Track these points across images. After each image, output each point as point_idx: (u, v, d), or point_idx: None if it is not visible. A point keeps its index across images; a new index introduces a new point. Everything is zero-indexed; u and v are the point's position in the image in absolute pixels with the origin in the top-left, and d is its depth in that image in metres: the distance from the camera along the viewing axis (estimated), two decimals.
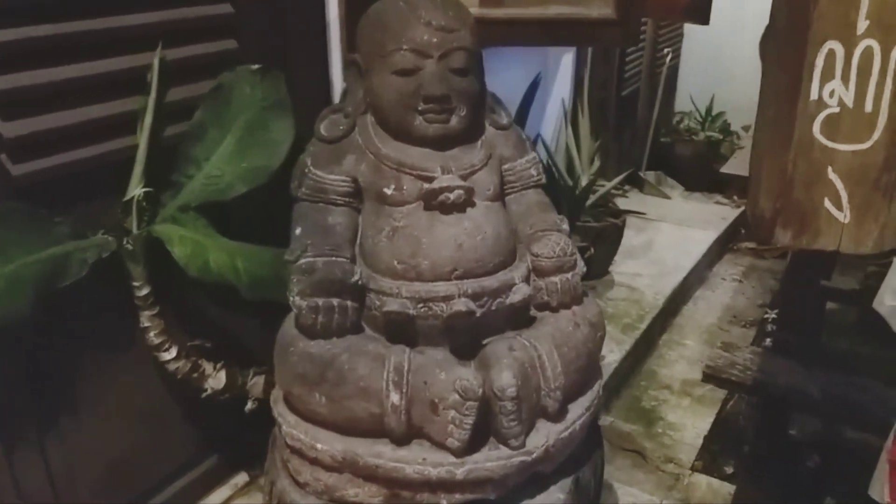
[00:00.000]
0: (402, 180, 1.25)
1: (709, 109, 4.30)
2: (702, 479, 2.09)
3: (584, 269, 1.32)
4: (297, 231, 1.29)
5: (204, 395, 1.62)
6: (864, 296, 2.73)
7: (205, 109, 1.54)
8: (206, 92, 1.53)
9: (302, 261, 1.22)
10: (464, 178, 1.25)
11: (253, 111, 1.58)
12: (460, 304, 1.19)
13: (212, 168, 1.54)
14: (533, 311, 1.32)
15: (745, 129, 4.21)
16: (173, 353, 1.55)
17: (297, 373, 1.21)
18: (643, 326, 2.66)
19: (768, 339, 2.82)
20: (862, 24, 1.01)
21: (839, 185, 1.10)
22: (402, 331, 1.24)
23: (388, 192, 1.25)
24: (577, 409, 1.29)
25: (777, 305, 3.06)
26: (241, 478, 1.85)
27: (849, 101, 1.06)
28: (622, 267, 3.04)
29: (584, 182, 2.80)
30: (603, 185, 2.97)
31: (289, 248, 1.28)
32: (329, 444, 1.21)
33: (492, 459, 1.18)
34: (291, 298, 1.20)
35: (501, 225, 1.29)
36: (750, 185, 1.20)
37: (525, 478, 1.24)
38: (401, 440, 1.19)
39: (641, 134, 4.06)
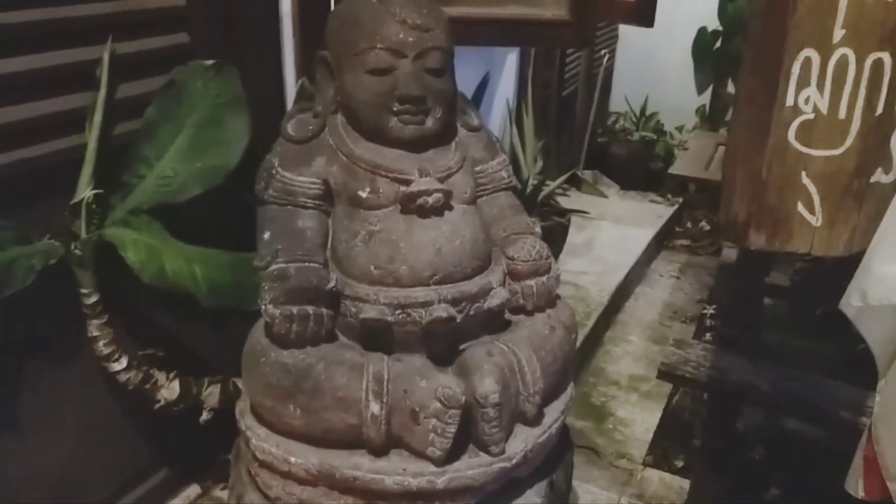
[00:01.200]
0: (377, 183, 1.21)
1: (643, 110, 4.40)
2: (654, 474, 2.13)
3: (559, 272, 1.32)
4: (266, 235, 1.23)
5: (157, 405, 1.54)
6: (797, 292, 2.87)
7: (156, 106, 1.46)
8: (158, 88, 1.46)
9: (273, 267, 1.17)
10: (441, 180, 1.22)
11: (207, 108, 1.51)
12: (441, 310, 1.17)
13: (164, 168, 1.47)
14: (507, 315, 1.30)
15: (679, 129, 4.33)
16: (124, 363, 1.48)
17: (269, 384, 1.15)
18: (590, 324, 2.69)
19: (708, 334, 2.91)
20: (838, 33, 1.04)
21: (812, 189, 1.12)
22: (378, 338, 1.20)
23: (363, 194, 1.21)
24: (553, 413, 1.28)
25: (714, 301, 3.16)
26: (194, 490, 1.78)
27: (823, 107, 1.08)
28: (567, 265, 3.07)
29: (529, 181, 2.82)
30: (548, 185, 3.00)
31: (257, 253, 1.22)
32: (303, 456, 1.16)
33: (472, 467, 1.16)
34: (263, 307, 1.15)
35: (478, 228, 1.27)
36: (723, 188, 1.21)
37: (502, 483, 1.23)
38: (379, 451, 1.16)
39: (579, 134, 4.12)
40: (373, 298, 1.18)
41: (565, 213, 3.02)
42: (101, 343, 1.44)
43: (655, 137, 4.29)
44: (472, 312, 1.22)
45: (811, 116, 1.09)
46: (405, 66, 1.20)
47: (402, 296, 1.18)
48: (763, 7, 1.10)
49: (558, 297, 1.34)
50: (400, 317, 1.18)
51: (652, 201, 4.14)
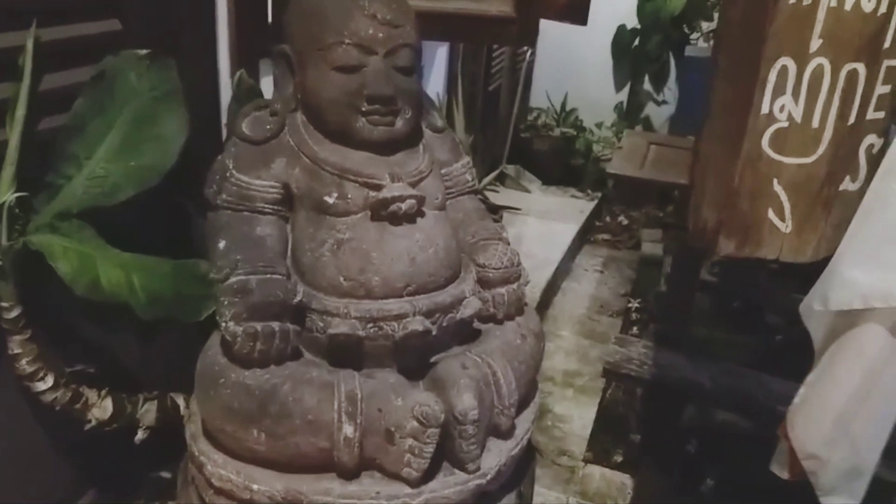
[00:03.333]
0: (345, 188, 1.14)
1: (563, 106, 4.45)
2: (595, 470, 2.15)
3: (529, 279, 1.28)
4: (221, 245, 1.13)
5: (88, 426, 1.41)
6: (717, 286, 2.97)
7: (85, 99, 1.32)
8: (87, 80, 1.32)
9: (233, 280, 1.07)
10: (413, 185, 1.16)
11: (141, 102, 1.38)
12: (416, 324, 1.11)
13: (95, 168, 1.33)
14: (477, 324, 1.26)
15: (598, 125, 4.40)
16: (49, 381, 1.34)
17: (229, 407, 1.06)
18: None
19: (635, 328, 2.98)
20: (815, 43, 1.04)
21: (783, 196, 1.13)
22: (346, 353, 1.13)
23: (330, 200, 1.13)
24: (524, 424, 1.25)
25: (638, 294, 3.24)
26: None
27: (797, 116, 1.09)
28: None
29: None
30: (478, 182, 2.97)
31: (212, 264, 1.12)
32: (267, 483, 1.08)
33: (449, 486, 1.11)
34: (224, 324, 1.06)
35: (450, 236, 1.22)
36: (693, 195, 1.21)
37: (475, 499, 1.19)
38: (350, 474, 1.09)
39: (503, 129, 4.12)
40: (343, 312, 1.11)
41: (497, 209, 3.01)
42: (23, 361, 1.29)
43: (575, 133, 4.34)
44: (444, 323, 1.17)
45: (785, 125, 1.10)
46: (375, 64, 1.13)
47: (375, 308, 1.11)
48: (741, 14, 1.10)
49: (525, 304, 1.31)
50: (372, 331, 1.11)
51: (573, 196, 4.20)
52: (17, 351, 1.28)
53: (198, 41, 1.63)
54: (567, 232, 3.61)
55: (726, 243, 1.20)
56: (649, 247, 3.59)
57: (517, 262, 1.26)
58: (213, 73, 1.71)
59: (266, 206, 1.17)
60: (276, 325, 1.07)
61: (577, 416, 2.41)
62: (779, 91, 1.09)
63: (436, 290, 1.16)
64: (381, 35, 1.12)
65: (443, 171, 1.30)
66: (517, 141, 4.26)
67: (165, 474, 1.68)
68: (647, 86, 4.34)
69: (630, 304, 3.19)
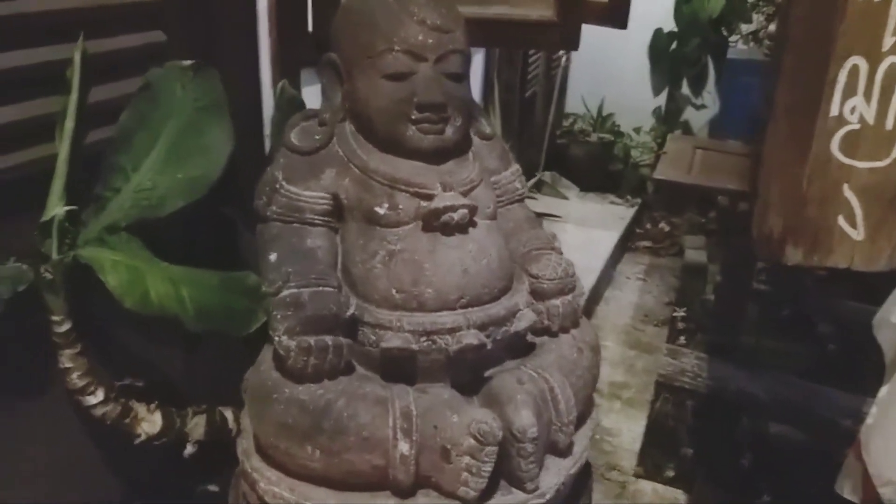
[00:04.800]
0: (396, 198, 1.11)
1: (599, 111, 4.40)
2: (646, 486, 2.09)
3: (585, 291, 1.24)
4: (272, 257, 1.11)
5: (137, 440, 1.39)
6: (766, 293, 2.89)
7: (131, 111, 1.32)
8: (133, 92, 1.31)
9: (285, 293, 1.05)
10: (464, 194, 1.13)
11: (186, 113, 1.37)
12: (470, 337, 1.07)
13: (142, 180, 1.33)
14: (530, 337, 1.22)
15: (636, 130, 4.34)
16: (100, 395, 1.33)
17: (283, 423, 1.04)
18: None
19: (682, 338, 2.91)
20: (888, 41, 0.99)
21: (855, 202, 1.08)
22: (400, 367, 1.10)
23: (382, 211, 1.11)
24: (582, 441, 1.21)
25: (683, 303, 3.17)
26: None
27: (870, 117, 1.04)
28: None
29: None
30: None
31: (264, 277, 1.10)
32: (321, 501, 1.05)
33: None
34: (277, 338, 1.03)
35: (502, 246, 1.18)
36: (757, 202, 1.16)
37: None
38: (405, 493, 1.05)
39: (539, 135, 4.08)
40: (396, 325, 1.08)
41: (536, 216, 2.96)
42: (74, 375, 1.29)
43: (613, 139, 4.28)
44: (498, 336, 1.13)
45: (857, 127, 1.05)
46: (425, 71, 1.10)
47: (428, 322, 1.08)
48: (807, 12, 1.05)
49: (581, 316, 1.27)
50: (425, 345, 1.08)
51: (612, 202, 4.14)
52: (67, 365, 1.28)
53: (240, 51, 1.62)
54: (607, 239, 3.55)
55: (794, 252, 1.14)
56: (693, 254, 3.51)
57: (572, 273, 1.22)
58: (256, 84, 1.70)
59: (316, 217, 1.15)
60: (329, 338, 1.04)
61: (625, 429, 2.35)
62: (849, 92, 1.03)
63: (489, 302, 1.13)
64: (430, 41, 1.09)
65: (492, 179, 1.26)
66: (553, 147, 4.22)
67: (213, 488, 1.66)
68: (685, 89, 4.26)
69: (675, 313, 3.12)
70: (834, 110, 1.05)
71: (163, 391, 1.45)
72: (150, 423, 1.40)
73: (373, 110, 1.13)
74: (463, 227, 1.12)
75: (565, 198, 4.05)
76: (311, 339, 1.03)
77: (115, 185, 1.31)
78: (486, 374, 1.15)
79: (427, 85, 1.10)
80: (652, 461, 2.18)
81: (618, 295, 3.30)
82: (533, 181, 3.13)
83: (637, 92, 4.37)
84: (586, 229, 3.64)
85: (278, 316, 1.04)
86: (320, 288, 1.07)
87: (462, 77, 1.14)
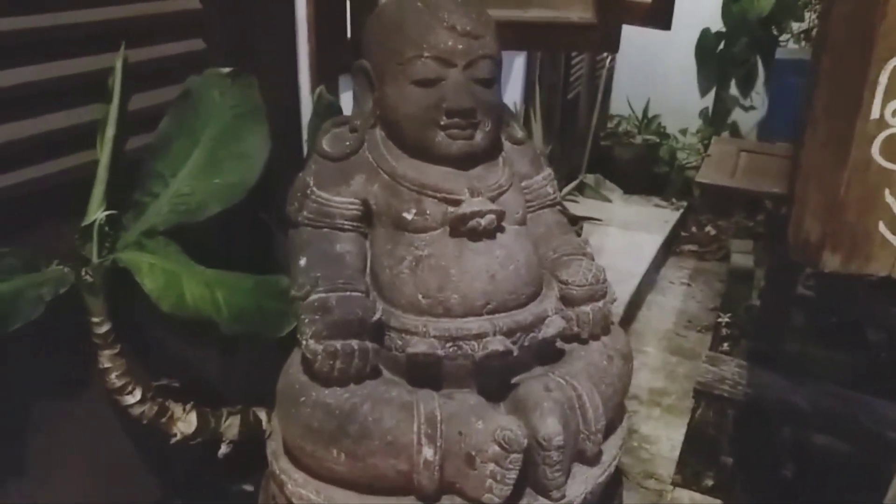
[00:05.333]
0: (423, 204, 1.11)
1: (645, 113, 4.33)
2: (684, 494, 2.05)
3: (615, 296, 1.22)
4: (303, 262, 1.13)
5: (173, 440, 1.43)
6: (813, 300, 2.80)
7: (171, 118, 1.35)
8: (172, 99, 1.34)
9: (313, 297, 1.06)
10: (492, 200, 1.13)
11: (224, 120, 1.40)
12: (497, 343, 1.07)
13: (180, 185, 1.35)
14: (560, 343, 1.21)
15: (682, 132, 4.26)
16: (137, 395, 1.36)
17: (310, 426, 1.05)
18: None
19: (725, 344, 2.84)
20: None
21: None
22: (426, 373, 1.11)
23: (409, 216, 1.11)
24: (611, 450, 1.19)
25: (728, 309, 3.10)
26: None
27: None
28: None
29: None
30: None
31: (294, 281, 1.12)
32: None
33: None
34: (304, 342, 1.05)
35: (531, 251, 1.17)
36: (794, 207, 1.13)
37: None
38: (430, 498, 1.06)
39: (582, 137, 4.04)
40: (422, 330, 1.08)
41: (576, 220, 2.94)
42: (113, 375, 1.32)
43: (658, 140, 4.21)
44: (526, 343, 1.13)
45: None
46: (454, 77, 1.10)
47: (454, 327, 1.08)
48: (847, 13, 1.02)
49: (612, 322, 1.25)
50: (451, 350, 1.08)
51: (656, 205, 4.07)
52: (106, 365, 1.31)
53: (278, 58, 1.65)
54: (651, 243, 3.49)
55: (831, 258, 1.11)
56: (739, 258, 3.43)
57: (602, 279, 1.21)
58: (294, 90, 1.73)
59: (346, 222, 1.16)
60: (355, 343, 1.05)
61: (664, 437, 2.30)
62: (891, 94, 1.00)
63: (517, 308, 1.12)
64: (460, 47, 1.09)
65: (523, 184, 1.26)
66: (597, 149, 4.17)
67: (248, 487, 1.69)
68: (733, 90, 4.17)
69: (720, 319, 3.05)
70: (875, 113, 1.01)
71: (198, 392, 1.48)
72: (185, 422, 1.43)
73: (402, 116, 1.13)
74: (491, 233, 1.11)
75: (609, 200, 4.00)
76: (338, 344, 1.04)
77: (154, 191, 1.34)
78: (514, 380, 1.15)
79: (456, 91, 1.10)
80: (690, 469, 2.14)
81: (661, 300, 3.24)
82: (573, 184, 3.10)
83: (683, 93, 4.30)
84: (629, 233, 3.59)
85: (306, 320, 1.05)
86: (348, 293, 1.08)
87: (492, 82, 1.14)
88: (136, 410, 1.37)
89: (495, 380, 1.13)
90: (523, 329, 1.12)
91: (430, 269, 1.10)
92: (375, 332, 1.10)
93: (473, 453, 1.02)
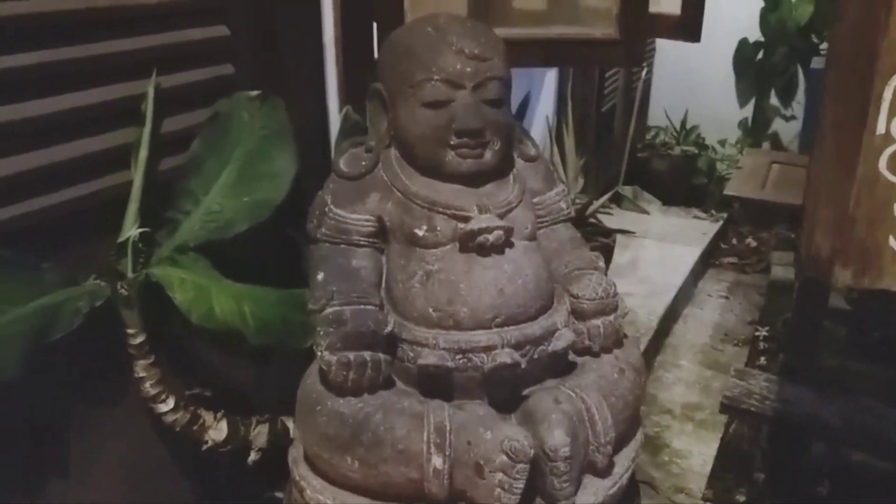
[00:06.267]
0: (434, 220, 1.15)
1: (683, 124, 4.30)
2: None
3: (627, 310, 1.24)
4: (320, 276, 1.18)
5: (204, 447, 1.49)
6: (855, 314, 2.74)
7: (202, 140, 1.42)
8: (203, 121, 1.42)
9: (328, 310, 1.11)
10: (501, 216, 1.16)
11: (252, 141, 1.46)
12: (504, 356, 1.10)
13: (211, 203, 1.42)
14: (572, 357, 1.23)
15: (721, 143, 4.22)
16: (171, 403, 1.43)
17: (325, 434, 1.10)
18: (640, 349, 2.59)
19: (762, 358, 2.81)
20: None
21: None
22: (437, 384, 1.14)
23: (420, 233, 1.15)
24: (624, 462, 1.20)
25: (766, 322, 3.05)
26: None
27: None
28: None
29: (571, 201, 2.74)
30: (591, 204, 2.92)
31: (311, 294, 1.17)
32: None
33: None
34: (319, 353, 1.09)
35: (540, 266, 1.20)
36: (804, 222, 1.13)
37: None
38: None
39: (619, 149, 4.04)
40: (432, 343, 1.12)
41: (610, 232, 2.94)
42: (147, 384, 1.39)
43: (697, 152, 4.18)
44: (535, 356, 1.15)
45: None
46: (463, 98, 1.14)
47: (463, 340, 1.12)
48: (851, 29, 1.02)
49: (625, 336, 1.27)
50: (461, 362, 1.12)
51: (695, 217, 4.03)
52: (141, 374, 1.38)
53: (307, 80, 1.71)
54: (688, 255, 3.47)
55: (842, 273, 1.11)
56: (780, 270, 3.37)
57: (613, 293, 1.23)
58: (322, 110, 1.79)
59: (361, 238, 1.21)
60: (367, 354, 1.09)
61: (696, 451, 2.29)
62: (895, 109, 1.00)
63: (526, 321, 1.15)
64: (468, 69, 1.13)
65: (536, 200, 1.29)
66: (634, 161, 4.16)
67: (279, 494, 1.74)
68: (773, 100, 4.12)
69: (757, 333, 3.02)
70: (880, 128, 1.02)
71: (229, 401, 1.54)
72: (216, 430, 1.49)
73: (414, 137, 1.18)
74: (499, 248, 1.15)
75: (646, 212, 3.98)
76: (351, 355, 1.08)
77: (186, 209, 1.41)
78: (525, 392, 1.17)
79: (465, 112, 1.14)
80: (722, 485, 2.12)
81: (697, 313, 3.21)
82: (607, 196, 3.10)
83: (722, 104, 4.26)
84: (666, 245, 3.57)
85: (321, 332, 1.10)
86: (362, 306, 1.12)
87: (500, 102, 1.18)
88: (170, 418, 1.43)
89: (506, 391, 1.16)
90: (532, 342, 1.14)
91: (440, 284, 1.13)
92: (389, 345, 1.14)
93: (482, 463, 1.05)
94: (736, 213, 3.98)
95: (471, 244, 1.13)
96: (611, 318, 1.22)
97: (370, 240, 1.21)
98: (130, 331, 1.35)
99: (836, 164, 1.07)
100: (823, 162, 1.10)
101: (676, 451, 2.28)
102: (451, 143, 1.15)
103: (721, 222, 3.92)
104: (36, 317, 1.16)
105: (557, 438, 1.05)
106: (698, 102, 4.28)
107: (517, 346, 1.13)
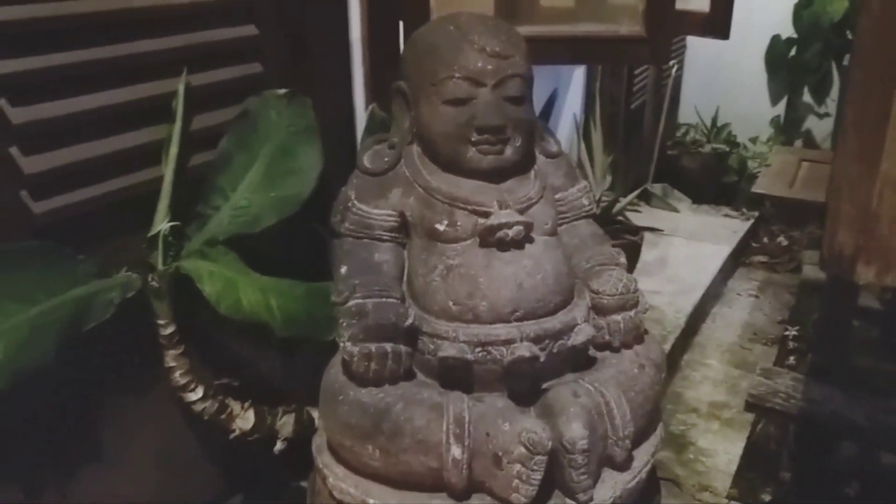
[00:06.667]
0: (455, 215, 1.17)
1: (714, 121, 4.26)
2: None
3: (648, 306, 1.25)
4: (343, 270, 1.20)
5: (232, 435, 1.53)
6: (888, 314, 2.70)
7: (231, 137, 1.45)
8: (232, 119, 1.45)
9: (351, 303, 1.14)
10: (521, 212, 1.17)
11: (280, 138, 1.50)
12: (523, 349, 1.11)
13: (239, 198, 1.46)
14: (592, 352, 1.24)
15: (753, 141, 4.17)
16: (199, 392, 1.47)
17: (347, 423, 1.12)
18: (667, 347, 2.58)
19: (792, 358, 2.77)
20: None
21: None
22: (457, 376, 1.16)
23: (441, 227, 1.17)
24: (643, 456, 1.21)
25: (796, 322, 3.02)
26: None
27: None
28: (640, 285, 2.95)
29: (597, 197, 2.74)
30: (619, 201, 2.91)
31: (334, 287, 1.19)
32: (382, 498, 1.13)
33: None
34: (342, 344, 1.12)
35: (560, 261, 1.21)
36: (827, 219, 1.13)
37: None
38: (460, 495, 1.10)
39: (648, 147, 4.01)
40: (452, 335, 1.14)
41: (637, 230, 2.92)
42: (177, 373, 1.43)
43: (728, 149, 4.13)
44: (555, 350, 1.17)
45: None
46: (484, 95, 1.16)
47: (482, 333, 1.13)
48: (875, 23, 1.02)
49: (646, 332, 1.27)
50: (480, 355, 1.13)
51: (726, 215, 3.99)
52: (171, 364, 1.42)
53: (333, 79, 1.74)
54: (718, 254, 3.43)
55: (865, 271, 1.11)
56: (811, 269, 3.32)
57: (633, 289, 1.23)
58: (349, 108, 1.82)
59: (384, 233, 1.23)
60: (388, 346, 1.12)
61: (722, 450, 2.27)
62: None
63: (545, 315, 1.16)
64: (489, 67, 1.15)
65: (557, 197, 1.30)
66: (664, 158, 4.13)
67: (305, 484, 1.78)
68: (806, 98, 4.06)
69: (787, 332, 2.98)
70: None
71: (257, 391, 1.58)
72: (243, 419, 1.53)
73: (435, 134, 1.20)
74: (519, 243, 1.16)
75: (676, 210, 3.95)
76: (372, 346, 1.11)
77: (216, 204, 1.45)
78: (544, 385, 1.18)
79: (486, 109, 1.15)
80: (747, 484, 2.10)
81: (726, 312, 3.18)
82: (634, 193, 3.09)
83: (754, 101, 4.21)
84: (696, 243, 3.54)
85: (344, 323, 1.12)
86: (383, 299, 1.14)
87: (522, 100, 1.19)
88: (199, 407, 1.47)
89: (525, 385, 1.17)
90: (551, 336, 1.15)
91: (460, 278, 1.15)
92: (410, 337, 1.16)
93: (500, 454, 1.06)
94: (767, 211, 3.93)
95: (490, 239, 1.15)
96: (631, 313, 1.23)
97: (392, 234, 1.24)
98: (161, 321, 1.39)
99: (858, 160, 1.07)
100: (846, 158, 1.09)
101: (702, 449, 2.27)
102: (472, 139, 1.17)
103: (752, 221, 3.87)
104: (70, 306, 1.20)
105: (575, 431, 1.06)
106: (730, 100, 4.23)
107: (536, 340, 1.14)
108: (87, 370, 1.33)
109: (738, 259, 3.62)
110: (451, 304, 1.15)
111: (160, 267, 1.36)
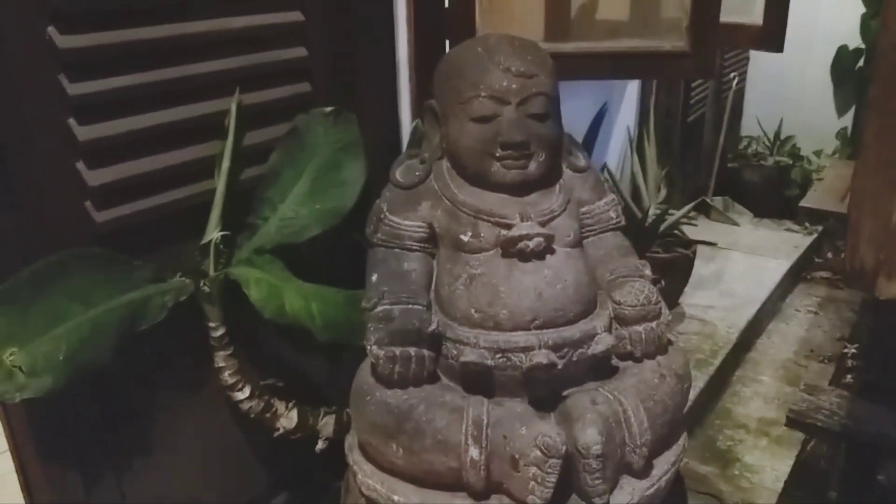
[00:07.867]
0: (479, 227, 1.23)
1: (777, 134, 4.17)
2: None
3: (670, 317, 1.27)
4: (374, 277, 1.28)
5: (276, 434, 1.61)
6: None
7: (280, 152, 1.55)
8: (282, 135, 1.54)
9: (379, 308, 1.21)
10: (542, 224, 1.22)
11: (326, 153, 1.58)
12: (541, 356, 1.16)
13: (286, 210, 1.55)
14: (615, 361, 1.27)
15: (817, 154, 4.07)
16: (247, 392, 1.55)
17: (374, 423, 1.19)
18: (717, 362, 2.56)
19: (849, 376, 2.70)
20: None
21: None
22: (479, 381, 1.21)
23: (465, 238, 1.23)
24: (663, 465, 1.23)
25: (856, 339, 2.93)
26: None
27: None
28: (693, 299, 2.95)
29: (651, 211, 2.74)
30: (672, 214, 2.90)
31: (365, 294, 1.26)
32: (406, 496, 1.19)
33: None
34: (369, 347, 1.19)
35: (582, 272, 1.25)
36: (849, 233, 1.14)
37: None
38: (479, 495, 1.16)
39: (707, 160, 3.97)
40: (473, 341, 1.19)
41: (690, 244, 2.90)
42: (226, 373, 1.53)
43: (791, 163, 4.04)
44: (574, 358, 1.21)
45: None
46: (508, 113, 1.21)
47: (503, 340, 1.18)
48: (893, 41, 1.03)
49: (670, 342, 1.29)
50: (500, 361, 1.18)
51: (788, 230, 3.90)
52: (221, 364, 1.52)
53: (380, 97, 1.82)
54: (777, 269, 3.37)
55: (887, 286, 1.10)
56: None
57: (655, 300, 1.26)
58: (395, 124, 1.90)
59: (413, 243, 1.30)
60: (412, 350, 1.18)
61: (769, 467, 2.24)
62: None
63: (564, 324, 1.20)
64: (514, 86, 1.20)
65: (584, 210, 1.34)
66: (725, 171, 4.07)
67: None
68: None
69: (846, 350, 2.91)
70: None
71: (300, 391, 1.66)
72: (287, 419, 1.61)
73: (463, 149, 1.26)
74: (540, 254, 1.21)
75: (735, 224, 3.89)
76: (397, 350, 1.17)
77: (265, 215, 1.54)
78: (565, 393, 1.22)
79: (510, 126, 1.21)
80: (793, 502, 2.07)
81: (783, 328, 3.12)
82: (689, 206, 3.06)
83: (820, 113, 4.11)
84: (754, 258, 3.48)
85: (371, 328, 1.19)
86: (410, 305, 1.21)
87: (546, 117, 1.24)
88: (245, 406, 1.56)
89: (546, 391, 1.21)
90: (570, 345, 1.19)
91: (482, 287, 1.21)
92: (435, 342, 1.22)
93: (517, 456, 1.11)
94: (831, 226, 3.83)
95: (512, 250, 1.20)
96: (653, 324, 1.25)
97: (421, 244, 1.30)
98: (211, 324, 1.49)
99: (879, 175, 1.07)
100: (867, 173, 1.10)
101: (748, 465, 2.24)
102: (497, 154, 1.23)
103: (815, 235, 3.78)
104: (127, 309, 1.31)
105: (589, 437, 1.10)
106: (794, 112, 4.14)
107: (555, 348, 1.18)
108: (143, 368, 1.43)
109: (798, 274, 3.54)
110: (473, 311, 1.21)
111: (211, 273, 1.46)
